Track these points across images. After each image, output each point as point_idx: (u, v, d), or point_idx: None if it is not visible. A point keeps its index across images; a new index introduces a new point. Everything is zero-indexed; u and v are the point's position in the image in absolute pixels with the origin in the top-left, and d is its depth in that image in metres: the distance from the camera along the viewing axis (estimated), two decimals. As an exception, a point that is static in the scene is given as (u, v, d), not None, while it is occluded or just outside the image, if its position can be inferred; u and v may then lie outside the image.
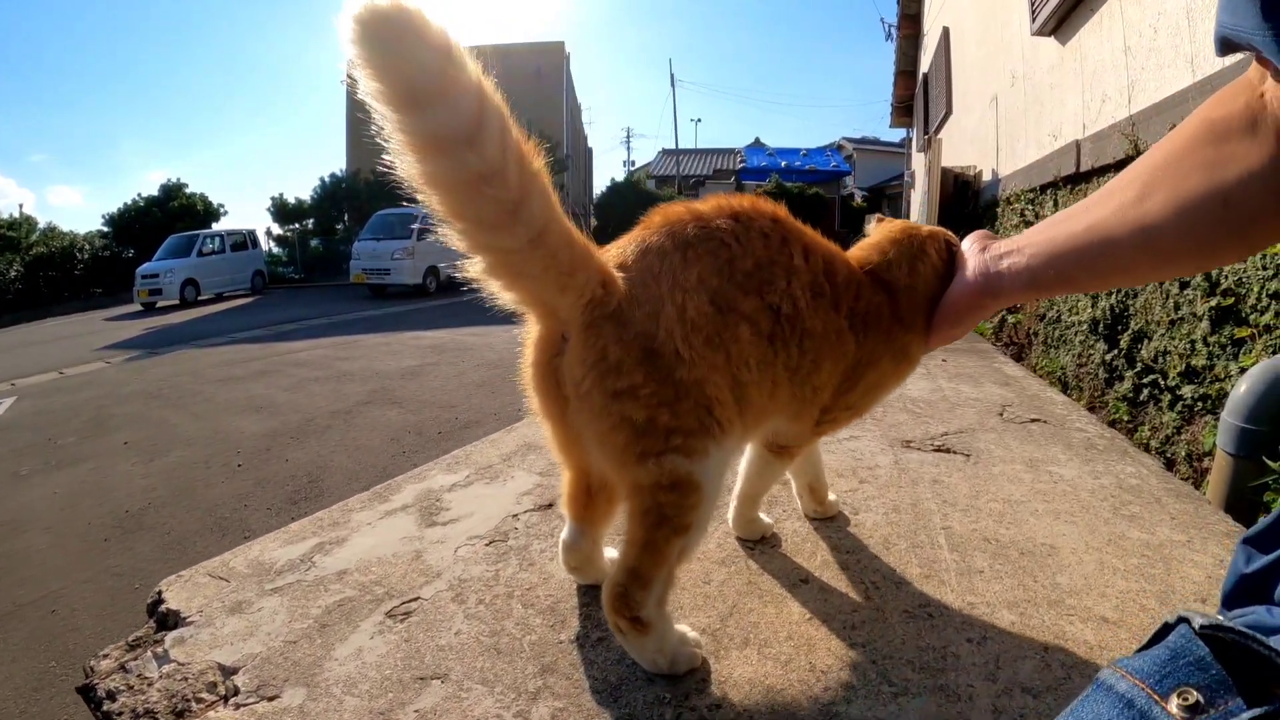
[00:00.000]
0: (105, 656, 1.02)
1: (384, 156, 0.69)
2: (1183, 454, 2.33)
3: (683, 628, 0.96)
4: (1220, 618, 0.43)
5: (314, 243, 21.69)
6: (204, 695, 0.91)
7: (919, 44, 11.68)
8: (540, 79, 23.82)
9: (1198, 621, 0.43)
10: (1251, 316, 2.05)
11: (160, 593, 1.18)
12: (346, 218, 21.39)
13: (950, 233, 1.06)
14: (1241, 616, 0.48)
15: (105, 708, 0.91)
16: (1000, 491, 1.49)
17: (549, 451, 1.79)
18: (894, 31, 12.46)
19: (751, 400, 0.88)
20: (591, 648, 0.98)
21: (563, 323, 0.82)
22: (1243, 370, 2.02)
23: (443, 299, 12.80)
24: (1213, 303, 2.28)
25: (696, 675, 0.92)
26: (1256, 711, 0.38)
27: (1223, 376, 2.19)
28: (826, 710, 0.85)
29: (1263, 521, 0.51)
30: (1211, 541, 1.26)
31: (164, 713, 0.88)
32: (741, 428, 0.89)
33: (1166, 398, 2.53)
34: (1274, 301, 1.96)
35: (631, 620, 0.85)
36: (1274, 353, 1.85)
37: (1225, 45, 0.57)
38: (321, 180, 22.04)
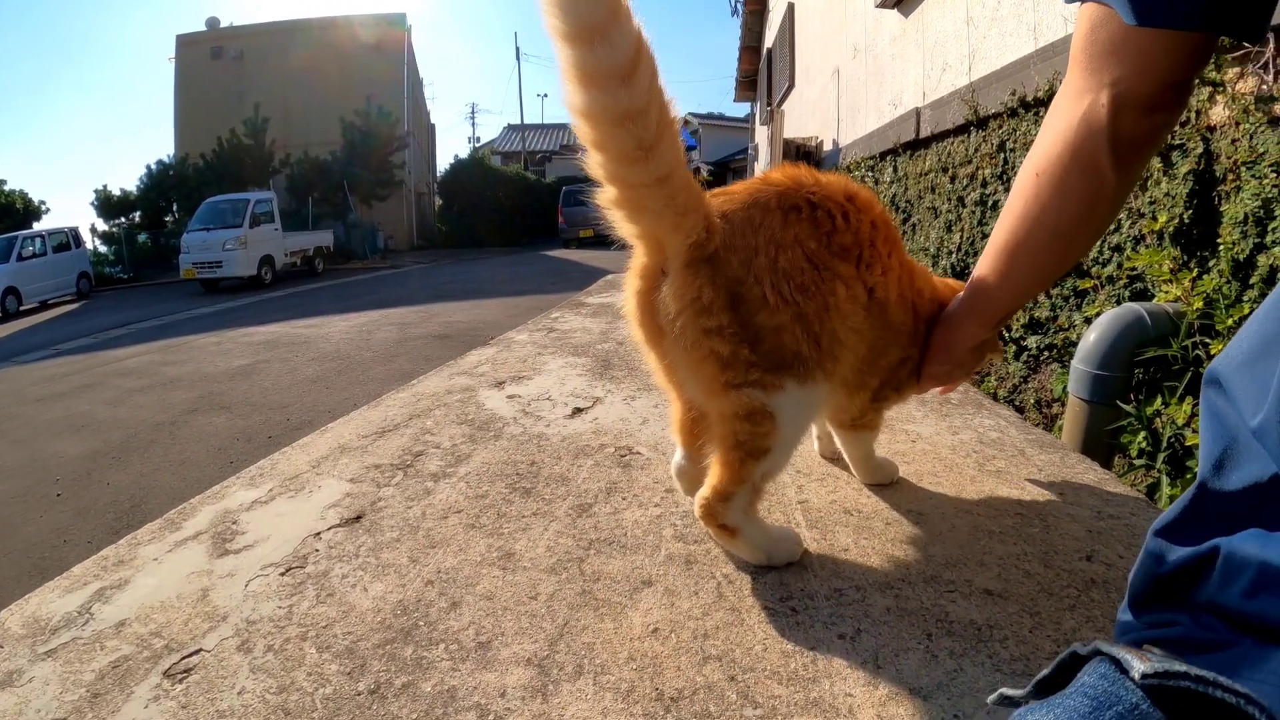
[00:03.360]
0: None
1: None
2: (1031, 401, 2.37)
3: (787, 528, 1.04)
4: (1165, 659, 0.32)
5: (141, 237, 19.77)
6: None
7: (764, 19, 11.95)
8: (380, 51, 22.77)
9: (1137, 668, 0.31)
10: (1093, 269, 2.08)
11: (-63, 668, 0.92)
12: (175, 208, 19.66)
13: None
14: (1164, 629, 0.41)
15: None
16: (858, 456, 1.38)
17: (363, 453, 1.57)
18: (740, 7, 12.68)
19: (842, 360, 0.94)
20: (394, 699, 0.77)
21: (666, 259, 0.89)
22: (1087, 320, 2.04)
23: (279, 290, 12.17)
24: (1053, 255, 2.30)
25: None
26: None
27: (1066, 326, 2.22)
28: (676, 751, 0.67)
29: (1174, 508, 0.43)
30: (1084, 493, 1.19)
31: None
32: (826, 379, 0.93)
33: (1011, 349, 2.57)
34: (1115, 254, 1.98)
35: (719, 527, 0.95)
36: (1117, 303, 1.87)
37: None
38: (148, 168, 19.98)
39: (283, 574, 1.07)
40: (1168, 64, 0.64)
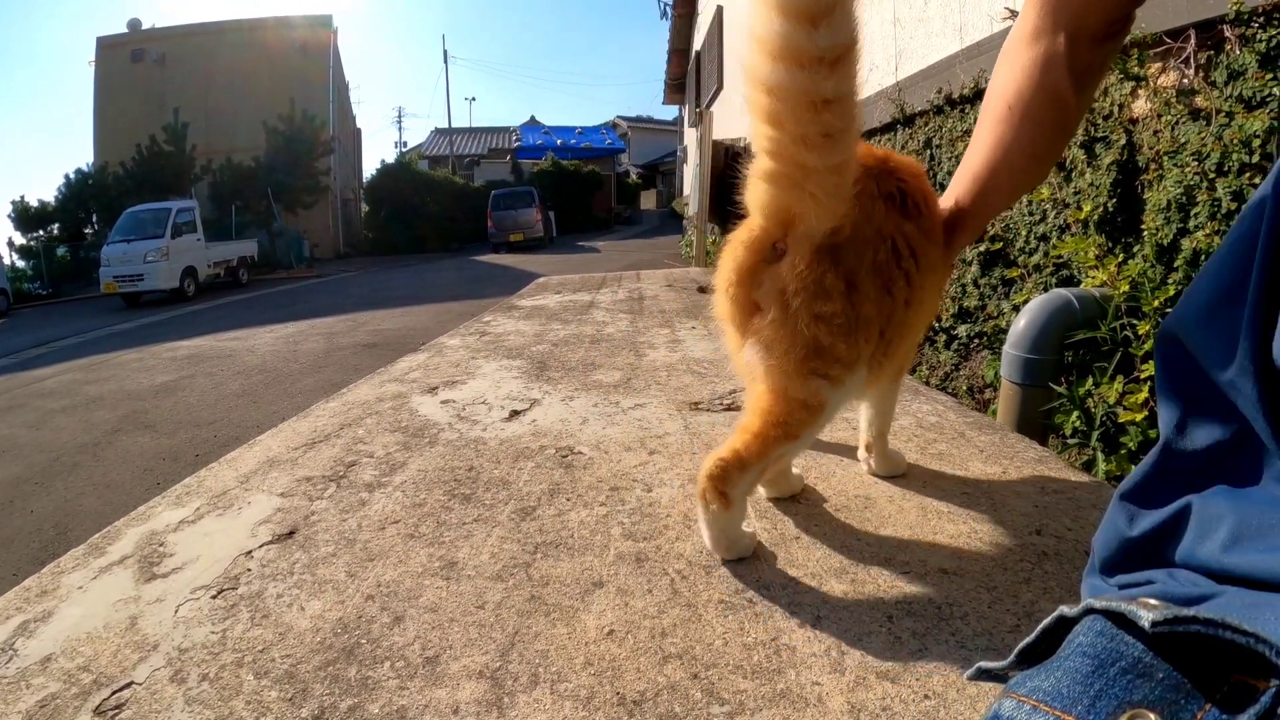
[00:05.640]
0: None
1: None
2: (964, 388, 2.42)
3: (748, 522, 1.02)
4: (1171, 607, 0.32)
5: (61, 251, 18.75)
6: None
7: (693, 23, 12.05)
8: (305, 54, 22.15)
9: (1146, 618, 0.31)
10: (1020, 258, 2.15)
11: None
12: (96, 219, 18.81)
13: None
14: (1142, 586, 0.40)
15: None
16: (798, 444, 1.37)
17: (293, 466, 1.49)
18: (669, 10, 12.77)
19: (900, 349, 0.98)
20: (338, 721, 0.72)
21: (786, 236, 0.86)
22: (1015, 308, 2.10)
23: (203, 302, 11.88)
24: (982, 248, 2.37)
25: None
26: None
27: (995, 314, 2.28)
28: (640, 756, 0.64)
29: (1138, 471, 0.44)
30: (1026, 469, 1.21)
31: None
32: (867, 370, 0.94)
33: (942, 338, 2.64)
34: (1041, 243, 2.05)
35: (721, 494, 0.91)
36: (1044, 290, 1.93)
37: None
38: (67, 178, 19.05)
39: (214, 597, 1.00)
40: (1110, 4, 0.78)
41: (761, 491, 1.13)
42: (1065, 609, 0.36)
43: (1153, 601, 0.33)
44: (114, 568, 1.13)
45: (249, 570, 1.06)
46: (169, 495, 1.41)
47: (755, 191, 0.85)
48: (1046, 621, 0.37)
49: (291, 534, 1.16)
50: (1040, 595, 0.84)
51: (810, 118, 0.73)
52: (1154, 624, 0.31)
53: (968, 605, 0.82)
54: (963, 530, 1.00)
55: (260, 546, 1.13)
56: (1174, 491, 0.41)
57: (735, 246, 0.91)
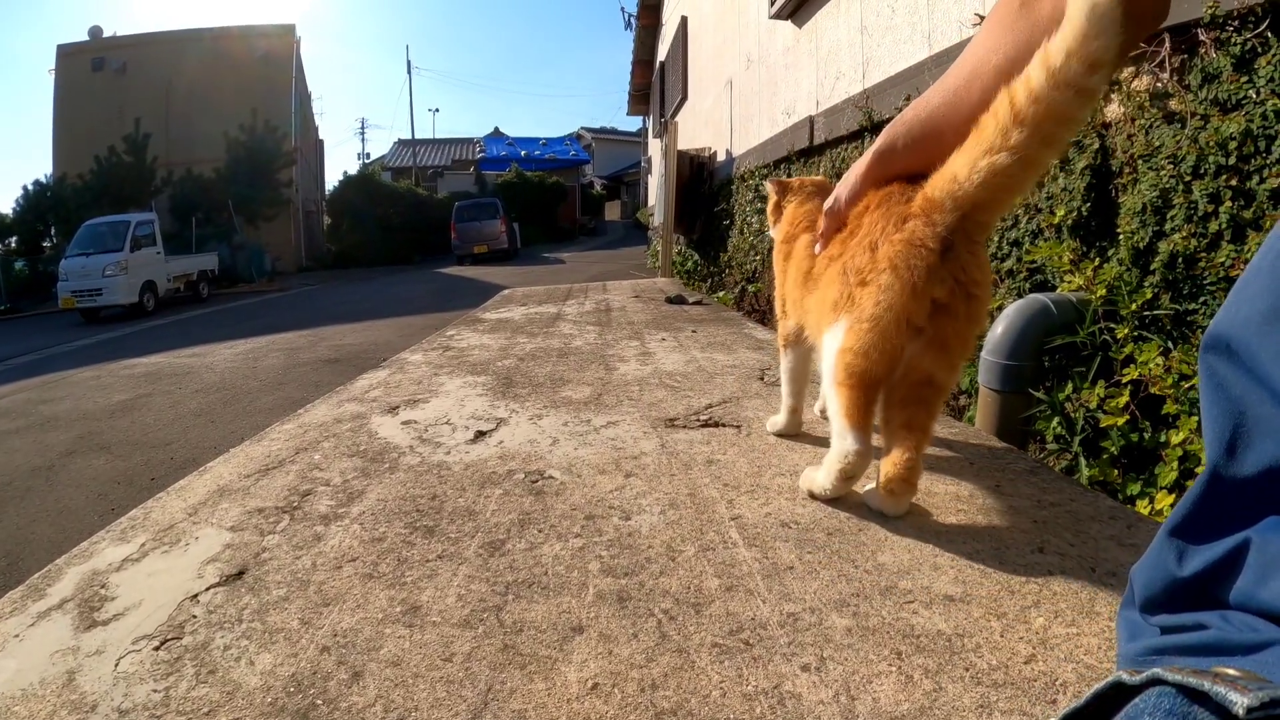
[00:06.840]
0: None
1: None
2: (940, 396, 2.41)
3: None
4: (1267, 685, 0.27)
5: (19, 264, 18.07)
6: None
7: (657, 34, 12.07)
8: (268, 64, 21.80)
9: (1240, 702, 0.26)
10: (992, 264, 2.13)
11: None
12: (54, 232, 18.29)
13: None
14: (1191, 633, 0.37)
15: None
16: (784, 463, 1.32)
17: (245, 496, 1.38)
18: (634, 21, 12.79)
19: None
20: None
21: (953, 230, 0.90)
22: (989, 314, 2.08)
23: (162, 318, 11.65)
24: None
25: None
26: None
27: (970, 320, 2.27)
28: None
29: (1184, 504, 0.40)
30: (1019, 482, 1.17)
31: None
32: None
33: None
34: (1014, 249, 2.03)
35: (914, 484, 1.02)
36: (1018, 295, 1.91)
37: None
38: (25, 189, 18.44)
39: (157, 648, 0.91)
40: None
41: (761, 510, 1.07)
42: (1124, 675, 0.31)
43: (1231, 672, 0.29)
44: (53, 613, 1.04)
45: (195, 617, 0.97)
46: (114, 529, 1.31)
47: (980, 187, 0.87)
48: (1100, 687, 0.32)
49: (241, 574, 1.07)
50: (1052, 620, 0.79)
51: (1075, 131, 0.88)
52: (1249, 709, 0.26)
53: (979, 635, 0.77)
54: (963, 551, 0.95)
55: (207, 589, 1.04)
56: (1226, 524, 0.37)
57: (916, 245, 0.91)
